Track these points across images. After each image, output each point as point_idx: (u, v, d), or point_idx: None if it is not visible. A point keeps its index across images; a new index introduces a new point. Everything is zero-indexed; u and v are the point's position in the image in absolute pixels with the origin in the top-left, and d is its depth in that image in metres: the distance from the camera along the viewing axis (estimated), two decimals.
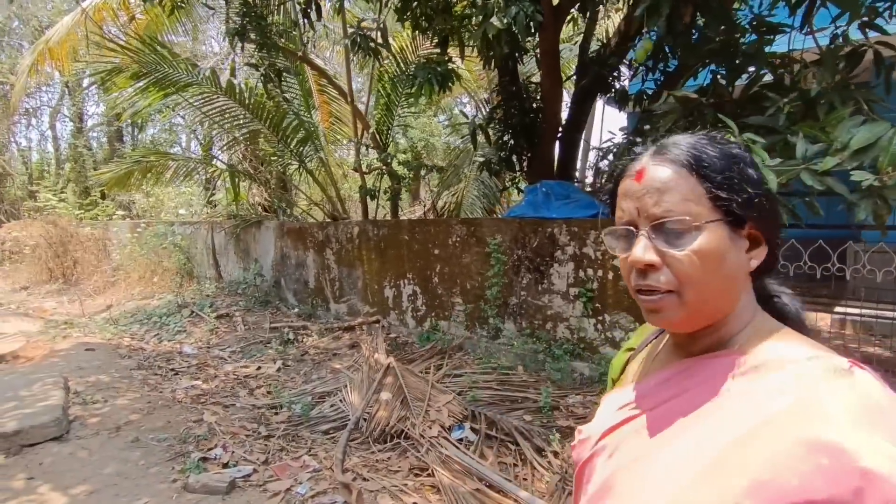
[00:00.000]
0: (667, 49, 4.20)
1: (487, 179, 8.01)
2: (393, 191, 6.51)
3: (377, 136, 6.85)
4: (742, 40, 3.56)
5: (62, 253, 10.61)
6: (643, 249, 0.61)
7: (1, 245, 11.23)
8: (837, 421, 0.49)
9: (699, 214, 0.59)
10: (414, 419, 3.48)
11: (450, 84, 4.29)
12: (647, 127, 4.22)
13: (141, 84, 5.43)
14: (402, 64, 6.42)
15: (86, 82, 15.99)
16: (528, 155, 6.06)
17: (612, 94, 5.45)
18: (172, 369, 4.77)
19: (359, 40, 4.15)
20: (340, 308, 6.35)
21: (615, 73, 5.52)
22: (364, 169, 6.68)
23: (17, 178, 15.25)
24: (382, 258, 5.73)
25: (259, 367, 5.09)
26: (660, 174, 0.62)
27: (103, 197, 12.76)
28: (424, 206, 10.28)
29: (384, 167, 6.89)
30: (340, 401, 3.88)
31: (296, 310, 6.85)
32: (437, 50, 5.61)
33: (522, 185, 6.87)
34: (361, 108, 8.13)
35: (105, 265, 10.75)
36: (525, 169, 6.17)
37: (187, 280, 8.87)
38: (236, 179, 6.99)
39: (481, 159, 6.99)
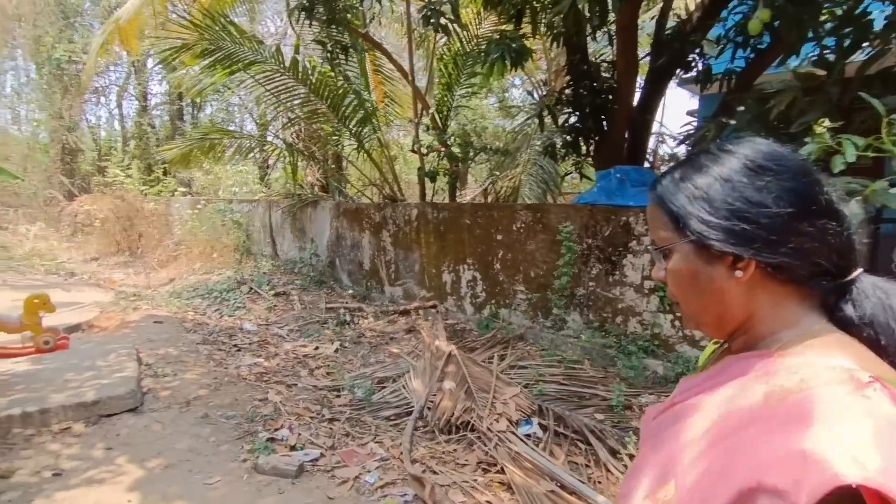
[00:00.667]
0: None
1: (546, 164, 7.73)
2: (451, 173, 6.34)
3: (436, 117, 6.67)
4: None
5: (129, 227, 11.09)
6: (655, 268, 0.75)
7: (74, 217, 11.83)
8: (818, 428, 0.51)
9: (666, 239, 0.70)
10: (480, 411, 3.35)
11: (523, 61, 4.06)
12: (740, 108, 3.87)
13: (207, 61, 5.46)
14: (465, 42, 6.19)
15: (151, 62, 16.55)
16: (596, 138, 5.76)
17: (695, 74, 5.06)
18: (235, 345, 4.83)
19: (430, 14, 3.96)
20: (395, 291, 6.30)
21: (696, 52, 5.12)
22: (422, 150, 6.53)
23: (87, 154, 16.02)
24: (441, 242, 5.61)
25: (317, 347, 5.10)
26: (649, 206, 0.75)
27: (165, 174, 13.23)
28: (477, 191, 10.09)
29: (442, 149, 6.74)
30: (402, 387, 3.81)
31: (350, 291, 6.86)
32: (502, 27, 5.39)
33: (587, 171, 6.58)
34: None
35: (167, 240, 11.16)
36: (592, 153, 5.87)
37: (245, 257, 9.08)
38: (294, 158, 6.99)
39: (540, 142, 6.73)
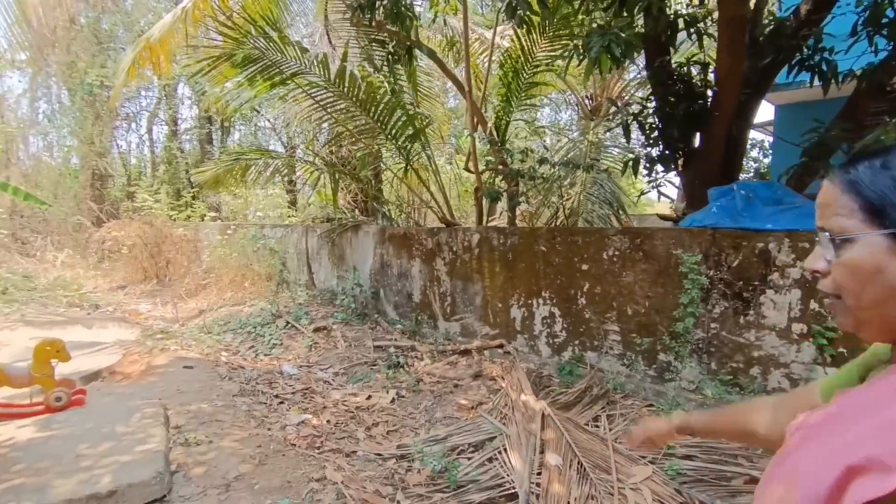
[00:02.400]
0: None
1: (608, 182, 6.98)
2: (510, 193, 5.63)
3: (493, 132, 6.02)
4: None
5: (156, 253, 10.63)
6: (811, 257, 0.73)
7: (101, 244, 11.44)
8: None
9: (848, 228, 0.66)
10: (604, 500, 2.55)
11: (631, 54, 3.35)
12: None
13: (248, 72, 4.90)
14: (528, 46, 5.53)
15: (182, 86, 16.46)
16: (686, 150, 5.01)
17: (814, 72, 4.29)
18: (277, 396, 4.12)
19: (516, 4, 3.30)
20: (451, 327, 5.54)
21: (814, 48, 4.37)
22: (478, 168, 5.86)
23: (117, 179, 15.84)
24: (510, 272, 4.86)
25: (370, 397, 4.36)
26: (824, 190, 0.72)
27: (194, 199, 12.84)
28: (529, 213, 9.35)
29: (500, 167, 6.06)
30: (492, 459, 3.02)
31: (398, 326, 6.13)
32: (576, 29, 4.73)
33: (662, 187, 5.79)
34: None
35: (195, 267, 10.66)
36: (681, 168, 5.11)
37: (279, 286, 8.45)
38: (335, 179, 6.38)
39: (594, 160, 6.04)
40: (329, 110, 5.61)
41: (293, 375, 4.83)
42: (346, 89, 5.38)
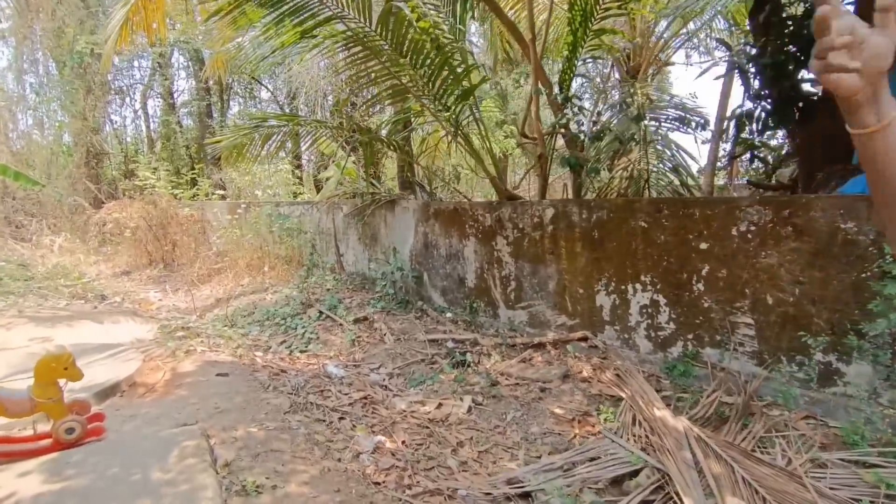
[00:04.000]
0: None
1: (672, 150, 6.17)
2: (574, 161, 4.83)
3: (556, 90, 5.18)
4: None
5: (161, 235, 9.82)
6: None
7: (101, 227, 10.62)
8: None
9: None
10: None
11: None
12: None
13: (273, 16, 4.03)
14: None
15: (176, 54, 15.37)
16: (801, 103, 4.19)
17: None
18: (333, 409, 3.39)
19: None
20: (516, 316, 4.81)
21: None
22: (532, 134, 5.04)
23: (113, 157, 14.89)
24: (595, 252, 4.10)
25: (440, 405, 3.65)
26: None
27: (197, 176, 11.95)
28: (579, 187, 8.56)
29: (563, 131, 5.25)
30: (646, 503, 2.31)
31: (447, 314, 5.39)
32: None
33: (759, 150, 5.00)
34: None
35: (205, 249, 9.87)
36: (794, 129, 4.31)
37: (298, 269, 7.69)
38: (370, 148, 5.55)
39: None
40: (368, 64, 4.74)
41: (342, 378, 4.11)
42: (389, 36, 4.51)
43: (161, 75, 15.63)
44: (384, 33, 4.48)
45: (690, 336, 3.60)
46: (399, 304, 5.70)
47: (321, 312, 5.59)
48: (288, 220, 6.69)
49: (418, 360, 4.49)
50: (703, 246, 3.45)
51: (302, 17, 4.24)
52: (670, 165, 6.17)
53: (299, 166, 14.16)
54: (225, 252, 8.71)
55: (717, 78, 4.28)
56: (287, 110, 16.24)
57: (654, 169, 6.27)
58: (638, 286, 3.85)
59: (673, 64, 10.84)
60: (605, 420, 3.14)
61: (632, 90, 6.02)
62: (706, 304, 3.49)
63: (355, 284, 6.65)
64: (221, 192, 10.65)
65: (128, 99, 17.78)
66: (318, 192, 13.57)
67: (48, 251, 9.95)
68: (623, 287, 3.95)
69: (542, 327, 4.59)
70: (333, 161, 9.74)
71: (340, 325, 5.29)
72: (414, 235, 5.83)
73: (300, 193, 12.31)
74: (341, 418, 3.28)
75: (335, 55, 4.96)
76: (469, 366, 4.24)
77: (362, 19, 4.39)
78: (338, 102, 5.84)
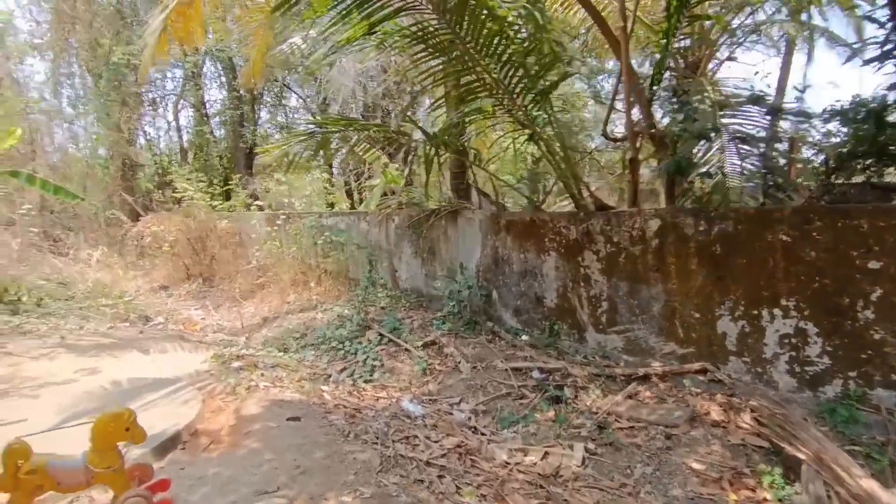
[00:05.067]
0: None
1: (762, 148, 5.51)
2: (685, 164, 4.23)
3: (642, 91, 4.62)
4: None
5: (200, 249, 9.50)
6: None
7: (139, 240, 10.38)
8: None
9: None
10: None
11: None
12: None
13: (345, 5, 3.56)
14: None
15: (207, 64, 15.20)
16: None
17: None
18: (428, 463, 2.86)
19: None
20: (609, 341, 4.22)
21: None
22: (633, 134, 4.48)
23: (147, 168, 14.77)
24: (717, 270, 3.50)
25: (546, 455, 3.09)
26: None
27: (226, 186, 11.66)
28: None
29: (653, 132, 4.67)
30: None
31: (523, 337, 4.84)
32: None
33: None
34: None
35: (242, 262, 9.52)
36: None
37: (346, 285, 7.23)
38: (432, 153, 5.04)
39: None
40: (434, 62, 4.25)
41: (422, 418, 3.59)
42: (464, 29, 4.01)
43: (194, 85, 15.49)
44: (457, 25, 3.98)
45: (853, 373, 2.97)
46: (466, 325, 5.17)
47: (382, 335, 5.09)
48: (343, 234, 6.21)
49: (503, 394, 3.94)
50: (874, 265, 2.83)
51: (370, 10, 3.76)
52: (758, 166, 5.53)
53: (344, 175, 13.80)
54: (266, 266, 8.31)
55: (868, 63, 3.62)
56: (318, 118, 15.98)
57: (738, 171, 5.64)
58: (776, 311, 3.24)
59: (735, 59, 10.12)
60: (773, 485, 2.54)
61: (699, 86, 5.39)
62: (877, 336, 2.86)
63: (412, 302, 6.14)
64: (259, 203, 10.30)
65: (160, 110, 17.75)
66: (350, 201, 13.18)
67: (86, 266, 9.73)
68: (755, 312, 3.34)
69: (644, 355, 3.99)
70: (374, 168, 9.30)
71: (406, 349, 4.78)
72: (481, 249, 5.30)
73: (337, 203, 11.93)
74: (441, 476, 2.75)
75: (395, 53, 4.46)
76: (566, 402, 3.67)
77: (434, 10, 3.90)
78: (407, 105, 5.33)
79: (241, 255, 9.83)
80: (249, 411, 3.25)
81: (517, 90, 4.40)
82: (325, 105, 15.09)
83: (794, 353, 3.20)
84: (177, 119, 17.63)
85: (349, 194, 13.58)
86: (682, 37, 6.12)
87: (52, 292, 6.34)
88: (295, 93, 16.31)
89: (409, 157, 8.63)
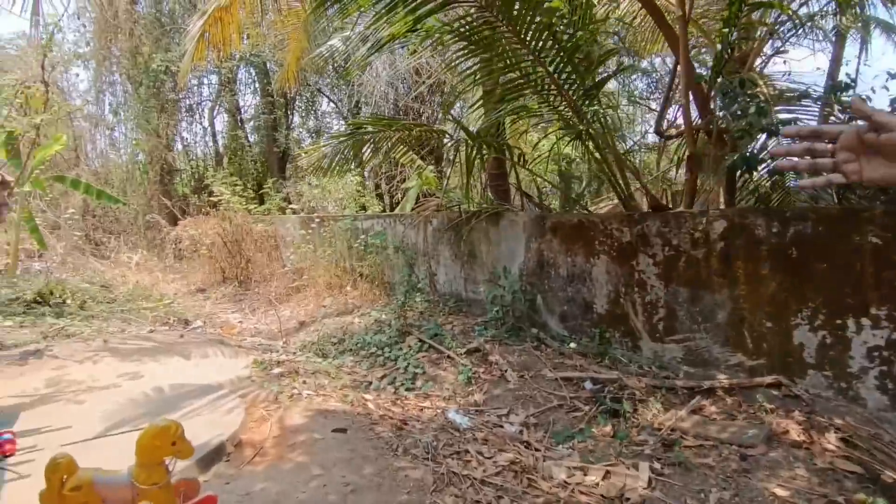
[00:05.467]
0: None
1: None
2: (753, 161, 3.94)
3: (704, 83, 4.35)
4: None
5: (236, 252, 9.55)
6: None
7: (177, 243, 10.53)
8: None
9: None
10: None
11: None
12: None
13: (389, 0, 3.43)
14: None
15: (242, 71, 15.40)
16: None
17: None
18: (483, 482, 2.68)
19: None
20: (667, 350, 3.96)
21: None
22: (690, 129, 4.22)
23: (184, 173, 15.07)
24: (793, 276, 3.21)
25: (608, 474, 2.87)
26: None
27: (261, 199, 11.74)
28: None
29: (711, 127, 4.39)
30: None
31: (571, 345, 4.60)
32: None
33: None
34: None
35: (277, 265, 9.54)
36: None
37: (382, 289, 7.12)
38: (475, 153, 4.87)
39: None
40: (476, 59, 4.07)
41: (471, 430, 3.41)
42: (512, 21, 3.82)
43: (229, 91, 15.73)
44: (505, 18, 3.79)
45: None
46: (510, 331, 4.96)
47: (422, 341, 4.93)
48: (383, 237, 6.07)
49: (555, 406, 3.72)
50: None
51: (415, 4, 3.61)
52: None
53: (375, 177, 13.81)
54: (301, 269, 8.27)
55: None
56: (347, 121, 16.02)
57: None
58: (865, 321, 2.94)
59: (786, 52, 9.63)
60: None
61: (752, 80, 5.04)
62: None
63: (451, 307, 5.97)
64: (293, 206, 10.33)
65: (197, 116, 18.13)
66: (382, 204, 13.13)
67: (126, 269, 9.92)
68: (838, 321, 3.05)
69: (707, 367, 3.72)
70: (406, 170, 9.20)
71: (449, 357, 4.60)
72: (525, 253, 5.09)
73: (370, 206, 11.88)
74: (499, 496, 2.56)
75: (434, 53, 4.30)
76: (625, 416, 3.43)
77: (482, 2, 3.73)
78: (444, 104, 5.15)
79: (276, 258, 9.86)
80: (293, 421, 3.12)
81: (566, 86, 4.18)
82: (357, 109, 15.14)
83: (885, 368, 2.89)
84: (212, 125, 17.94)
85: (381, 197, 13.56)
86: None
87: (94, 295, 6.41)
88: (327, 97, 16.42)
89: (444, 159, 8.49)
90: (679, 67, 4.37)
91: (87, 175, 12.74)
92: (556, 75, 4.16)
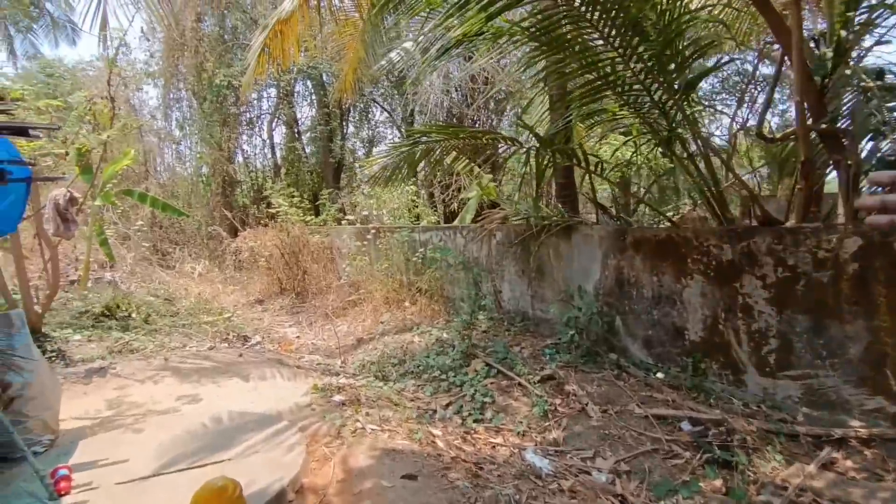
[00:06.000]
0: None
1: None
2: (877, 164, 3.34)
3: (817, 79, 3.78)
4: None
5: (293, 263, 9.54)
6: None
7: (237, 255, 10.69)
8: None
9: None
10: None
11: None
12: None
13: None
14: None
15: (299, 84, 15.66)
16: None
17: None
18: None
19: None
20: (780, 388, 3.40)
21: None
22: (805, 128, 3.66)
23: (244, 185, 15.44)
24: None
25: None
26: None
27: (318, 211, 11.75)
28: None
29: (825, 128, 3.80)
30: None
31: (657, 374, 4.10)
32: None
33: None
34: None
35: (333, 277, 9.45)
36: None
37: (442, 304, 6.81)
38: (545, 161, 4.47)
39: None
40: (549, 58, 3.68)
41: (552, 476, 3.00)
42: (599, 13, 3.42)
43: (287, 103, 16.04)
44: (589, 10, 3.40)
45: None
46: (585, 356, 4.51)
47: (489, 366, 4.56)
48: (449, 252, 5.73)
49: (648, 450, 3.25)
50: None
51: (486, 0, 3.28)
52: None
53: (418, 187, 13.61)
54: (357, 283, 8.10)
55: None
56: (402, 131, 15.96)
57: None
58: None
59: (889, 42, 8.63)
60: None
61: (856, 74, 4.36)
62: None
63: (517, 327, 5.58)
64: (349, 217, 10.25)
65: (256, 128, 18.63)
66: (436, 214, 12.88)
67: (189, 279, 10.14)
68: None
69: (834, 410, 3.14)
70: (460, 179, 8.89)
71: (519, 384, 4.21)
72: (601, 270, 4.63)
73: (424, 216, 11.66)
74: None
75: (499, 56, 3.95)
76: (738, 468, 2.92)
77: None
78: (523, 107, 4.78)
79: (332, 269, 9.78)
80: (358, 463, 2.82)
81: (654, 85, 3.73)
82: (411, 118, 15.05)
83: None
84: (271, 137, 18.37)
85: (435, 207, 13.33)
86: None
87: (158, 308, 6.46)
88: (381, 106, 16.45)
89: (501, 167, 8.10)
90: (788, 59, 3.82)
91: (155, 188, 13.25)
92: (641, 74, 3.71)
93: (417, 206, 11.68)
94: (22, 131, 2.72)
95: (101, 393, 4.01)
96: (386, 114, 16.91)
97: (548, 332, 5.38)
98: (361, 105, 16.65)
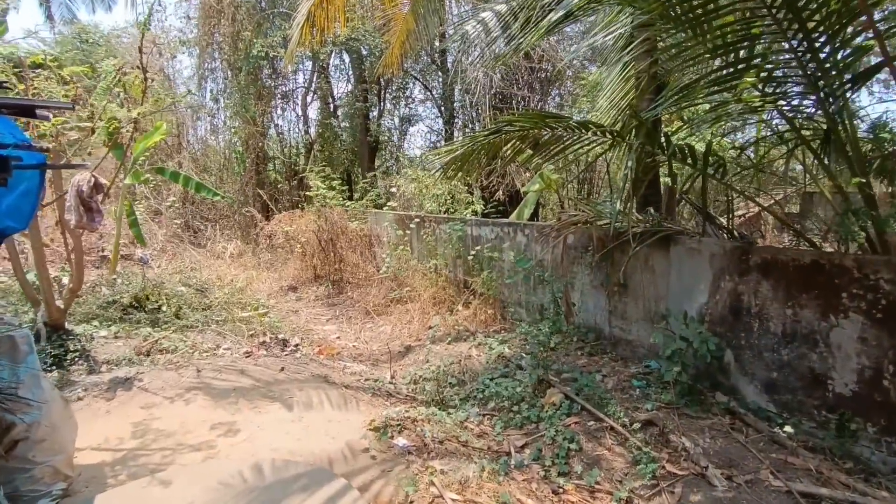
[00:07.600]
0: None
1: None
2: None
3: None
4: None
5: (330, 250, 8.96)
6: None
7: (271, 238, 10.18)
8: None
9: None
10: None
11: None
12: None
13: None
14: None
15: (334, 57, 14.90)
16: None
17: None
18: None
19: None
20: None
21: None
22: None
23: (277, 161, 14.90)
24: None
25: None
26: None
27: (352, 194, 11.07)
28: None
29: None
30: None
31: (786, 428, 3.34)
32: None
33: None
34: None
35: (370, 266, 8.84)
36: None
37: (498, 309, 6.12)
38: (643, 155, 3.68)
39: None
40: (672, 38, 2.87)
41: None
42: None
43: (323, 77, 15.32)
44: None
45: None
46: (685, 394, 3.77)
47: (569, 399, 3.86)
48: (528, 264, 4.96)
49: None
50: None
51: None
52: None
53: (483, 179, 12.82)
54: (402, 279, 7.46)
55: None
56: (444, 112, 15.12)
57: None
58: None
59: None
60: None
61: None
62: None
63: (590, 345, 4.86)
64: (391, 203, 9.58)
65: (290, 103, 18.00)
66: (484, 205, 12.10)
67: (221, 261, 9.68)
68: None
69: None
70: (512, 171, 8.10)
71: (611, 428, 3.51)
72: (710, 292, 3.85)
73: (469, 204, 10.90)
74: None
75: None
76: None
77: None
78: (631, 100, 3.93)
79: (370, 258, 9.18)
80: None
81: (818, 72, 2.88)
82: (451, 95, 14.19)
83: None
84: (305, 112, 17.71)
85: (471, 192, 12.54)
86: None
87: (190, 300, 5.94)
88: (421, 83, 15.59)
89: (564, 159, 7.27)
90: None
91: (188, 161, 12.80)
92: (801, 57, 2.87)
93: (462, 193, 10.92)
94: (27, 110, 2.08)
95: (125, 412, 3.48)
96: (426, 91, 16.04)
97: (628, 355, 4.65)
98: (399, 81, 15.81)
